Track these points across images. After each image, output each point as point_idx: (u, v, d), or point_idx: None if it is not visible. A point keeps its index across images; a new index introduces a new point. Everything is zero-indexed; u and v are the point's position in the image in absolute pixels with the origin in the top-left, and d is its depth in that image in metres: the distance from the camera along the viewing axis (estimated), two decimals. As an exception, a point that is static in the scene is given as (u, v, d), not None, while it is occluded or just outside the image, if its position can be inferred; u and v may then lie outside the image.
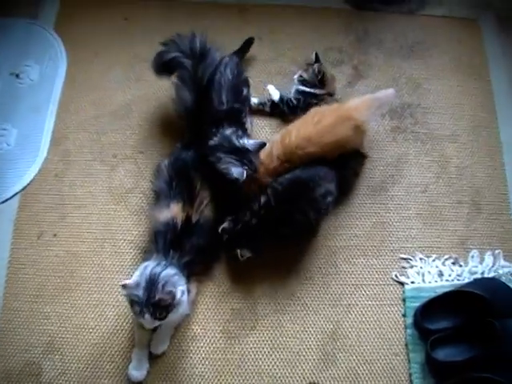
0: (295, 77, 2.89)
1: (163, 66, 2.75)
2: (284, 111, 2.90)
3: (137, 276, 2.14)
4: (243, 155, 2.39)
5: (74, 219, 2.68)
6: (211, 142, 2.45)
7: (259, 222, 2.37)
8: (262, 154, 2.50)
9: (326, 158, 2.47)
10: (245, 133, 2.52)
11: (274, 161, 2.48)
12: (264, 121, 2.94)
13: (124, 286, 2.09)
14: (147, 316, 2.08)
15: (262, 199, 2.38)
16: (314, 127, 2.49)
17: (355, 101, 2.59)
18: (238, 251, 2.38)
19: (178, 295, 2.11)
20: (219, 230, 2.40)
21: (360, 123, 2.50)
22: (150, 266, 2.18)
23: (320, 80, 2.83)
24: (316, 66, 2.85)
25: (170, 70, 2.75)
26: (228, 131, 2.46)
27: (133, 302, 2.11)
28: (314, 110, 2.62)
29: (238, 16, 3.28)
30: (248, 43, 2.96)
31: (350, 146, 2.53)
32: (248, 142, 2.43)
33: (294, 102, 2.85)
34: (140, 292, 2.08)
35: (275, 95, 2.91)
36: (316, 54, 2.90)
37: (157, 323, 2.14)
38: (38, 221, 2.68)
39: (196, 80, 2.62)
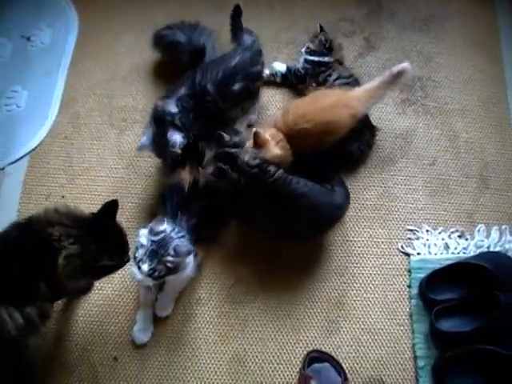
0: (302, 50, 2.85)
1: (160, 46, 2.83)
2: (293, 82, 2.87)
3: (165, 223, 2.12)
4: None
5: (82, 182, 2.66)
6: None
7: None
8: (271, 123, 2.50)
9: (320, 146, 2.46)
10: None
11: (274, 138, 2.42)
12: (275, 90, 2.92)
13: (150, 228, 2.10)
14: (144, 267, 2.04)
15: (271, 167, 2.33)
16: (310, 106, 2.47)
17: (359, 90, 2.54)
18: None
19: (183, 263, 2.12)
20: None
21: (356, 113, 2.45)
22: (168, 226, 2.15)
23: (328, 48, 2.79)
24: (322, 34, 2.82)
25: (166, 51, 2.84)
26: None
27: (138, 247, 2.09)
28: (318, 92, 2.62)
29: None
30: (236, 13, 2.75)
31: (339, 132, 2.45)
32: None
33: (302, 71, 2.82)
34: (149, 244, 2.06)
35: (282, 68, 2.89)
36: (320, 26, 2.86)
37: (148, 280, 2.09)
38: (47, 182, 2.67)
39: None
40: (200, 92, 2.42)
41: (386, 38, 3.09)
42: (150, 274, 2.05)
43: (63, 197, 2.61)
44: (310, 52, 2.80)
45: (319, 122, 2.39)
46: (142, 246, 2.08)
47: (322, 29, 2.84)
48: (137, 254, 2.08)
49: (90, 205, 2.57)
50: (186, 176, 2.36)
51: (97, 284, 2.42)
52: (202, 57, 2.67)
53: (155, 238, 2.06)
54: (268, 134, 2.38)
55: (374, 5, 3.19)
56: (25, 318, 1.79)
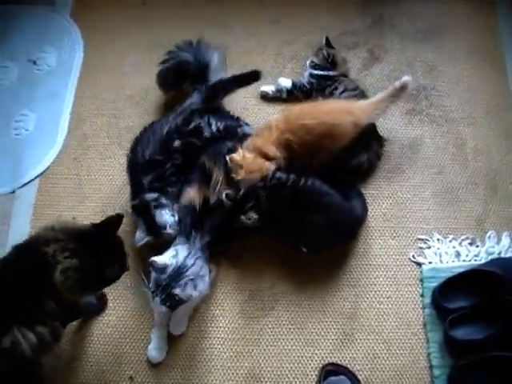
0: (307, 62, 2.86)
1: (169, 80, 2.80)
2: (299, 97, 2.86)
3: (167, 258, 2.14)
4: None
5: (93, 202, 2.66)
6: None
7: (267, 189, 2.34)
8: (259, 128, 2.54)
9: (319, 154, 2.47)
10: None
11: (273, 132, 2.43)
12: (281, 106, 2.92)
13: (152, 264, 2.09)
14: (157, 299, 2.08)
15: (278, 173, 2.36)
16: (316, 107, 2.52)
17: (364, 102, 2.57)
18: (243, 217, 2.32)
19: (195, 295, 2.11)
20: (223, 196, 2.34)
21: (358, 121, 2.46)
22: (182, 253, 2.18)
23: (331, 62, 2.80)
24: (325, 49, 2.83)
25: (178, 81, 2.79)
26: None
27: (152, 280, 2.11)
28: (325, 100, 2.67)
29: (257, 2, 3.25)
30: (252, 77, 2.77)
31: (340, 138, 2.45)
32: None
33: (307, 86, 2.82)
34: (163, 277, 2.08)
35: (287, 84, 2.88)
36: (326, 38, 2.87)
37: (163, 309, 2.12)
38: (57, 204, 2.67)
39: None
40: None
41: (389, 49, 3.09)
42: (164, 305, 2.09)
43: (74, 218, 2.60)
44: (315, 66, 2.81)
45: (322, 121, 2.40)
46: (155, 282, 2.12)
47: (328, 42, 2.85)
48: (151, 285, 2.11)
49: (101, 225, 2.55)
50: (195, 196, 2.37)
51: (110, 304, 2.42)
52: (206, 73, 2.67)
53: (169, 272, 2.10)
54: (241, 154, 2.40)
55: (376, 17, 3.19)
56: (37, 337, 1.79)
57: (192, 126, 2.53)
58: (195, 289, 2.10)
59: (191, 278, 2.10)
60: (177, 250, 2.19)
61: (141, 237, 2.35)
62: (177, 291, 2.04)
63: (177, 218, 2.37)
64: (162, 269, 2.10)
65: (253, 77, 2.70)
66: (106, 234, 1.94)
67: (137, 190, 2.43)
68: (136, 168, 2.44)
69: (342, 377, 2.18)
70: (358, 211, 2.45)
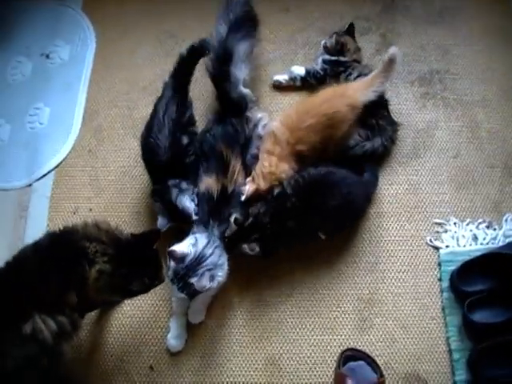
0: (322, 42, 2.85)
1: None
2: (313, 84, 2.84)
3: (186, 247, 2.13)
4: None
5: (109, 194, 2.67)
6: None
7: (271, 214, 2.31)
8: (268, 143, 2.48)
9: (328, 144, 2.47)
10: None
11: (285, 147, 2.43)
12: (295, 94, 2.91)
13: (170, 253, 2.08)
14: (175, 287, 2.11)
15: (276, 190, 2.34)
16: (309, 101, 2.52)
17: (356, 82, 2.59)
18: (246, 246, 2.30)
19: (212, 286, 2.11)
20: (231, 220, 2.32)
21: (354, 102, 2.46)
22: (201, 241, 2.18)
23: (339, 50, 2.79)
24: (334, 36, 2.81)
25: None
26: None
27: (170, 268, 2.11)
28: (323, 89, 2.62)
29: (267, -12, 3.21)
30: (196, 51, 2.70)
31: (342, 124, 2.46)
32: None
33: (321, 72, 2.80)
34: (181, 266, 2.09)
35: (301, 72, 2.86)
36: (351, 25, 2.87)
37: (183, 295, 2.13)
38: (74, 196, 2.68)
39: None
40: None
41: (401, 33, 3.07)
42: (182, 292, 2.11)
43: (91, 210, 2.62)
44: (326, 49, 2.80)
45: (322, 114, 2.40)
46: (173, 270, 2.11)
47: (349, 30, 2.86)
48: (169, 273, 2.12)
49: (117, 217, 2.59)
50: (213, 184, 2.36)
51: (129, 294, 2.41)
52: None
53: (183, 264, 2.10)
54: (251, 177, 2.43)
55: (388, 1, 3.17)
56: (58, 325, 1.80)
57: (187, 116, 2.56)
58: (212, 279, 2.09)
59: (209, 267, 2.10)
60: (196, 238, 2.19)
61: (163, 223, 2.36)
62: (193, 280, 2.04)
63: (197, 202, 2.37)
64: (181, 258, 2.09)
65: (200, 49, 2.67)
66: (143, 247, 1.95)
67: (157, 175, 2.45)
68: (154, 157, 2.43)
69: (362, 362, 2.17)
70: (369, 180, 2.49)
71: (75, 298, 1.84)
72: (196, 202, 2.37)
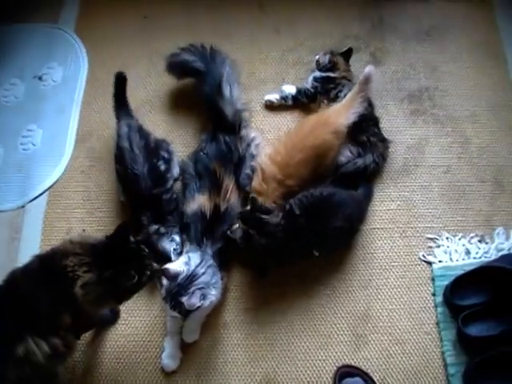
0: (316, 56, 2.85)
1: (174, 66, 2.80)
2: (304, 102, 2.85)
3: (179, 265, 2.11)
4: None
5: (102, 214, 2.63)
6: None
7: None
8: (256, 182, 2.48)
9: (319, 169, 2.48)
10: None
11: (274, 185, 2.43)
12: (287, 115, 2.90)
13: (164, 272, 2.06)
14: (166, 305, 2.08)
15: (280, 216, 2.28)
16: (296, 135, 2.49)
17: (335, 106, 2.58)
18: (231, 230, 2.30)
19: (203, 304, 2.08)
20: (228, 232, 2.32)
21: (337, 128, 2.46)
22: (194, 260, 2.16)
23: (330, 68, 2.80)
24: (328, 56, 2.81)
25: (181, 72, 2.81)
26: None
27: (163, 287, 2.09)
28: (297, 124, 2.69)
29: (257, 9, 3.24)
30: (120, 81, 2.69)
31: (330, 151, 2.48)
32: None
33: (312, 90, 2.80)
34: (173, 284, 2.06)
35: (291, 91, 2.86)
36: (349, 49, 2.88)
37: (176, 314, 2.10)
38: (67, 217, 2.64)
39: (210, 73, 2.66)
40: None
41: (390, 51, 3.08)
42: (173, 310, 2.08)
43: (84, 230, 2.58)
44: (318, 65, 2.82)
45: (309, 147, 2.40)
46: (165, 288, 2.10)
47: (346, 53, 2.87)
48: (162, 291, 2.10)
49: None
50: (206, 203, 2.34)
51: (123, 315, 2.39)
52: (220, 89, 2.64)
53: (179, 281, 2.08)
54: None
55: (376, 20, 3.18)
56: (51, 347, 1.78)
57: (152, 140, 2.57)
58: (204, 298, 2.07)
59: (200, 286, 2.07)
60: (189, 257, 2.17)
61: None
62: (183, 299, 2.01)
63: (178, 239, 2.39)
64: (174, 277, 2.07)
65: (120, 80, 2.67)
66: (120, 243, 1.91)
67: (138, 208, 2.45)
68: (135, 187, 2.43)
69: (358, 378, 2.16)
70: (365, 198, 2.50)
71: (69, 318, 1.82)
72: (177, 239, 2.39)
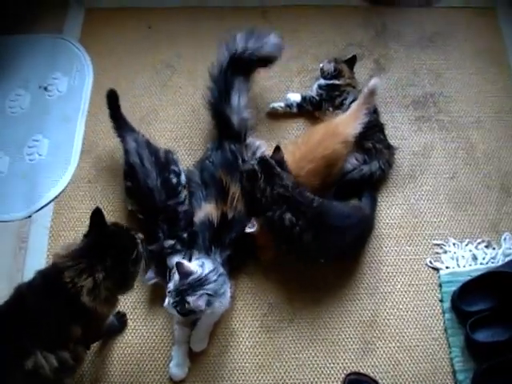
0: (320, 64, 2.86)
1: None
2: (309, 110, 2.85)
3: (194, 265, 2.12)
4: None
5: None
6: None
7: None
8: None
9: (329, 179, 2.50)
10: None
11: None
12: (292, 123, 2.90)
13: (178, 265, 2.07)
14: (168, 300, 2.07)
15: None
16: (305, 146, 2.48)
17: (342, 116, 2.58)
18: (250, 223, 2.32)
19: (207, 310, 2.07)
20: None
21: (346, 138, 2.47)
22: (207, 266, 2.15)
23: (335, 76, 2.80)
24: (333, 63, 2.81)
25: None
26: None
27: (172, 281, 2.10)
28: (306, 132, 2.69)
29: (262, 18, 3.25)
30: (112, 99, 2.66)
31: (339, 161, 2.50)
32: None
33: (317, 98, 2.80)
34: (183, 281, 2.06)
35: (296, 98, 2.86)
36: (353, 57, 2.88)
37: (174, 311, 2.08)
38: (73, 227, 2.63)
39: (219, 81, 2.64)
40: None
41: (394, 58, 3.08)
42: (174, 307, 2.05)
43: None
44: (323, 73, 2.81)
45: (319, 158, 2.40)
46: (173, 283, 2.09)
47: (350, 60, 2.87)
48: (169, 285, 2.10)
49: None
50: (213, 211, 2.34)
51: (130, 324, 2.38)
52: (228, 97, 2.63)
53: (186, 280, 2.07)
54: None
55: (380, 27, 3.18)
56: (59, 361, 1.76)
57: (161, 154, 2.55)
58: (209, 304, 2.06)
59: (209, 292, 2.06)
60: (203, 262, 2.16)
61: (150, 277, 2.33)
62: (189, 299, 2.00)
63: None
64: (186, 274, 2.06)
65: (111, 98, 2.65)
66: (101, 233, 1.91)
67: (152, 222, 2.42)
68: (149, 202, 2.41)
69: (368, 387, 2.13)
70: (367, 210, 2.44)
71: (79, 330, 1.81)
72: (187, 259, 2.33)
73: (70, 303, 1.78)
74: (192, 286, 2.05)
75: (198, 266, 2.13)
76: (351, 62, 2.86)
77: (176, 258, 2.29)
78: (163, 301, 2.10)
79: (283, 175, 2.27)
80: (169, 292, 2.08)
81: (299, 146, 2.49)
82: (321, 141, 2.44)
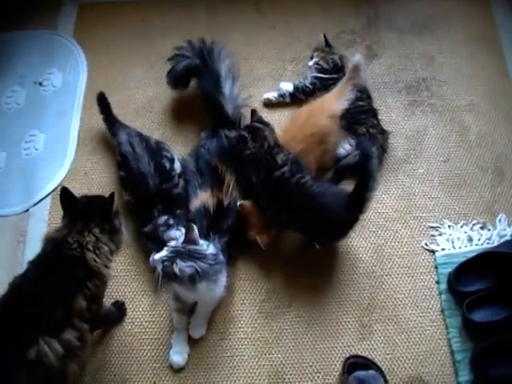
0: (310, 64, 2.83)
1: (178, 79, 2.80)
2: (302, 99, 2.81)
3: (199, 239, 2.13)
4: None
5: (106, 215, 2.60)
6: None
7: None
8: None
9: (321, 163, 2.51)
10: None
11: None
12: (285, 111, 2.90)
13: (189, 226, 2.10)
14: (160, 255, 2.07)
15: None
16: (292, 127, 2.50)
17: (327, 94, 2.58)
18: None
19: (189, 286, 2.07)
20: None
21: (333, 112, 2.47)
22: (211, 248, 2.17)
23: (340, 68, 2.79)
24: (334, 56, 2.79)
25: (186, 81, 2.80)
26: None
27: (173, 237, 2.22)
28: (292, 115, 2.66)
29: (254, 9, 3.25)
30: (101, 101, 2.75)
31: (331, 136, 2.48)
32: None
33: (310, 87, 2.80)
34: (184, 245, 2.08)
35: (289, 88, 2.86)
36: (324, 37, 2.85)
37: (158, 267, 2.06)
38: (71, 219, 2.60)
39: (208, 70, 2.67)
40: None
41: (387, 44, 3.08)
42: (162, 262, 2.04)
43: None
44: (320, 70, 2.76)
45: (308, 135, 2.40)
46: (177, 239, 2.17)
47: (327, 41, 2.83)
48: (166, 237, 2.20)
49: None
50: (209, 198, 2.35)
51: (129, 313, 2.37)
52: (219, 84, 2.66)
53: (190, 247, 2.07)
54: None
55: (372, 14, 3.18)
56: (64, 346, 1.76)
57: (153, 142, 2.59)
58: (192, 280, 2.02)
59: (200, 271, 2.02)
60: (209, 244, 2.17)
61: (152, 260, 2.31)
62: (179, 262, 1.99)
63: (183, 230, 2.32)
64: (191, 240, 2.08)
65: (101, 101, 2.73)
66: (78, 204, 2.00)
67: (146, 207, 2.41)
68: (143, 186, 2.42)
69: (372, 371, 2.11)
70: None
71: (83, 302, 1.82)
72: (182, 230, 2.34)
73: (75, 267, 1.82)
74: (189, 253, 2.04)
75: (205, 244, 2.14)
76: (327, 43, 2.85)
77: (173, 232, 2.32)
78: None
79: (267, 133, 2.35)
80: (166, 246, 2.09)
81: (287, 130, 2.51)
82: (307, 119, 2.45)
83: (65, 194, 1.99)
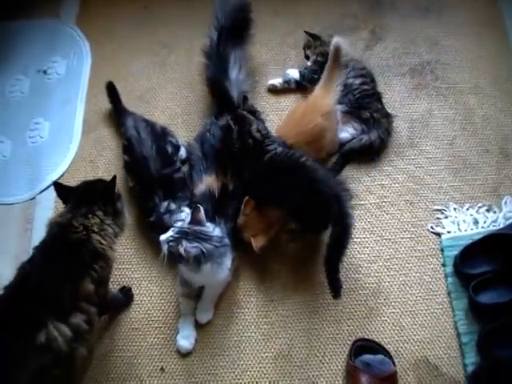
0: (309, 64, 2.85)
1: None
2: (307, 86, 2.82)
3: (206, 221, 2.13)
4: None
5: (112, 203, 2.60)
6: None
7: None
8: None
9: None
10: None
11: None
12: (290, 97, 2.89)
13: (195, 207, 2.10)
14: (168, 234, 2.06)
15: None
16: (287, 126, 2.51)
17: (317, 89, 2.56)
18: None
19: (194, 267, 2.06)
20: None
21: (327, 109, 2.46)
22: (217, 231, 2.16)
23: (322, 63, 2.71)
24: (326, 48, 2.71)
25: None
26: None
27: (180, 219, 2.23)
28: (288, 113, 2.66)
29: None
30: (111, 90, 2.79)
31: (327, 132, 2.48)
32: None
33: (316, 76, 2.76)
34: (190, 226, 2.08)
35: (295, 75, 2.84)
36: (306, 32, 2.87)
37: (164, 247, 2.05)
38: (77, 207, 2.60)
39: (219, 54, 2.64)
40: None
41: (390, 28, 3.06)
42: (168, 242, 2.04)
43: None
44: (322, 63, 2.71)
45: (301, 133, 2.41)
46: (183, 220, 2.17)
47: (311, 35, 2.84)
48: (172, 222, 2.19)
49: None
50: (214, 183, 2.34)
51: (136, 299, 2.38)
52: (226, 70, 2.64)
53: (196, 228, 2.08)
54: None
55: (375, -2, 3.14)
56: (72, 329, 1.77)
57: (158, 127, 2.59)
58: (198, 261, 2.01)
59: (206, 253, 2.02)
60: (215, 227, 2.17)
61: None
62: (184, 243, 2.00)
63: (188, 210, 2.35)
64: (198, 221, 2.09)
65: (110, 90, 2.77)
66: (79, 190, 2.03)
67: (148, 191, 2.41)
68: (145, 170, 2.42)
69: (380, 356, 2.13)
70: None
71: (90, 284, 1.84)
72: (186, 210, 2.36)
73: (81, 251, 1.84)
74: (195, 234, 2.04)
75: (212, 226, 2.14)
76: (312, 35, 2.86)
77: (177, 215, 2.33)
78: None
79: (254, 122, 2.35)
80: (173, 228, 2.09)
81: (282, 127, 2.52)
82: (301, 117, 2.46)
83: (58, 189, 2.01)
